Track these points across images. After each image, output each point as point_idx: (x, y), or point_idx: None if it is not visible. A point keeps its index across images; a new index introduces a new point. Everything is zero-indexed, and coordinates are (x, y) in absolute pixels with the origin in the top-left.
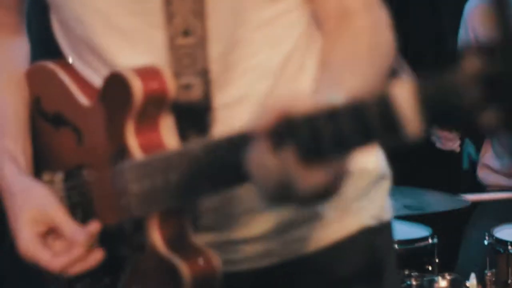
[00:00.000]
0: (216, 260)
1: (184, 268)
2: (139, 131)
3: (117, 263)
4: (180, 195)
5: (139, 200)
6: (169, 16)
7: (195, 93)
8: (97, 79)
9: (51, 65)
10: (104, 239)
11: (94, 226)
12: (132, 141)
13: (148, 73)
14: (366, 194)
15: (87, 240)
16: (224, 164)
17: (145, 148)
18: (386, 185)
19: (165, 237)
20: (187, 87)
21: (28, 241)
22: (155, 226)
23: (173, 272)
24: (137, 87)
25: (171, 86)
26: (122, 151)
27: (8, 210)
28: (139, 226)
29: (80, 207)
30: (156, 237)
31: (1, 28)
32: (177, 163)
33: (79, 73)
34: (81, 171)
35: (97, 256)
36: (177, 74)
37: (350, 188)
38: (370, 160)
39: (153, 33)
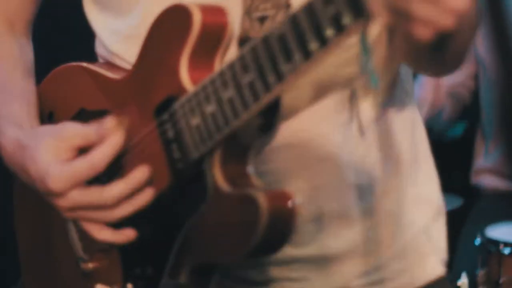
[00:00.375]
0: (294, 197)
1: (260, 198)
2: (192, 67)
3: (162, 243)
4: (235, 113)
5: (197, 136)
6: None
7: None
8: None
9: (71, 64)
10: (141, 225)
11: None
12: (185, 76)
13: (210, 8)
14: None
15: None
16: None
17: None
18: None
19: (229, 175)
20: (261, 19)
21: (60, 171)
22: (218, 165)
23: (246, 207)
24: (197, 15)
25: (232, 25)
26: (170, 96)
27: (22, 166)
28: (197, 174)
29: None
30: (219, 175)
31: (14, 25)
32: (230, 74)
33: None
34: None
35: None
36: (251, 7)
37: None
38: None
39: None
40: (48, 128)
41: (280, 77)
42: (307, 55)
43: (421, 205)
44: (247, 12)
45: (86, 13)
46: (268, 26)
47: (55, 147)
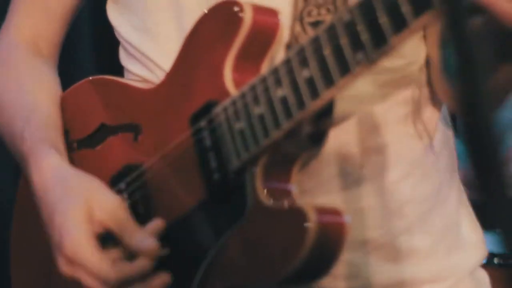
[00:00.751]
0: (344, 214)
1: (310, 212)
2: (238, 71)
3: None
4: (288, 114)
5: (240, 141)
6: None
7: None
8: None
9: (88, 79)
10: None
11: (158, 223)
12: (229, 79)
13: (261, 7)
14: None
15: (153, 249)
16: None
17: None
18: None
19: (271, 189)
20: (315, 24)
21: (80, 241)
22: (260, 176)
23: (293, 221)
24: (248, 13)
25: (282, 30)
26: (210, 102)
27: (46, 205)
28: (235, 186)
29: (141, 205)
30: (261, 188)
31: (42, 49)
32: (284, 71)
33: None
34: (138, 168)
35: (163, 279)
36: (303, 12)
37: None
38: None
39: None
40: (95, 187)
41: (345, 69)
42: (380, 42)
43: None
44: (299, 17)
45: (109, 16)
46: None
47: (90, 218)
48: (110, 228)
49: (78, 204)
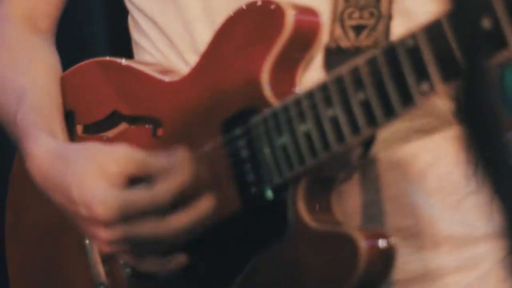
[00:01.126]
0: (392, 237)
1: (358, 237)
2: (275, 75)
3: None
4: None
5: (282, 158)
6: None
7: (366, 39)
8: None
9: (102, 59)
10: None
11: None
12: (267, 85)
13: (302, 8)
14: None
15: (187, 161)
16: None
17: (279, 95)
18: None
19: (313, 208)
20: (357, 28)
21: (116, 197)
22: (303, 195)
23: (340, 247)
24: (290, 14)
25: (323, 30)
26: (246, 108)
27: (61, 183)
28: (274, 203)
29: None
30: (303, 207)
31: (37, 23)
32: (332, 90)
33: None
34: None
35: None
36: (344, 14)
37: None
38: None
39: None
40: (96, 147)
41: (408, 99)
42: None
43: None
44: (339, 18)
45: None
46: (366, 38)
47: (106, 170)
48: (133, 174)
49: (90, 169)
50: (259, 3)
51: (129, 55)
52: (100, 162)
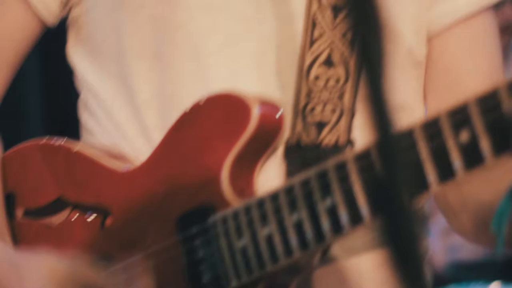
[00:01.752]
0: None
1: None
2: (235, 172)
3: None
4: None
5: (241, 261)
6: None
7: (328, 136)
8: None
9: (49, 142)
10: None
11: None
12: (227, 183)
13: (265, 102)
14: None
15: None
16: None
17: (238, 193)
18: None
19: None
20: (319, 125)
21: None
22: None
23: None
24: (255, 111)
25: (284, 126)
26: (204, 206)
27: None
28: None
29: None
30: None
31: None
32: (295, 195)
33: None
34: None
35: None
36: (306, 109)
37: None
38: None
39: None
40: (52, 259)
41: (377, 210)
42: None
43: None
44: (302, 113)
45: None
46: (327, 135)
47: (63, 282)
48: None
49: (41, 273)
50: (222, 95)
51: (66, 132)
52: (56, 271)
